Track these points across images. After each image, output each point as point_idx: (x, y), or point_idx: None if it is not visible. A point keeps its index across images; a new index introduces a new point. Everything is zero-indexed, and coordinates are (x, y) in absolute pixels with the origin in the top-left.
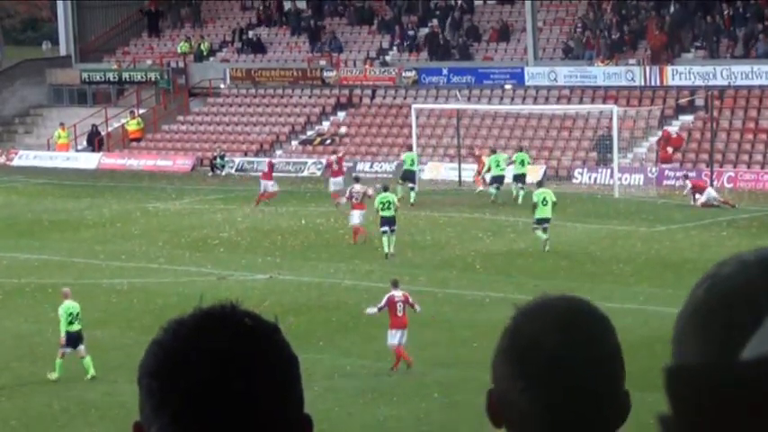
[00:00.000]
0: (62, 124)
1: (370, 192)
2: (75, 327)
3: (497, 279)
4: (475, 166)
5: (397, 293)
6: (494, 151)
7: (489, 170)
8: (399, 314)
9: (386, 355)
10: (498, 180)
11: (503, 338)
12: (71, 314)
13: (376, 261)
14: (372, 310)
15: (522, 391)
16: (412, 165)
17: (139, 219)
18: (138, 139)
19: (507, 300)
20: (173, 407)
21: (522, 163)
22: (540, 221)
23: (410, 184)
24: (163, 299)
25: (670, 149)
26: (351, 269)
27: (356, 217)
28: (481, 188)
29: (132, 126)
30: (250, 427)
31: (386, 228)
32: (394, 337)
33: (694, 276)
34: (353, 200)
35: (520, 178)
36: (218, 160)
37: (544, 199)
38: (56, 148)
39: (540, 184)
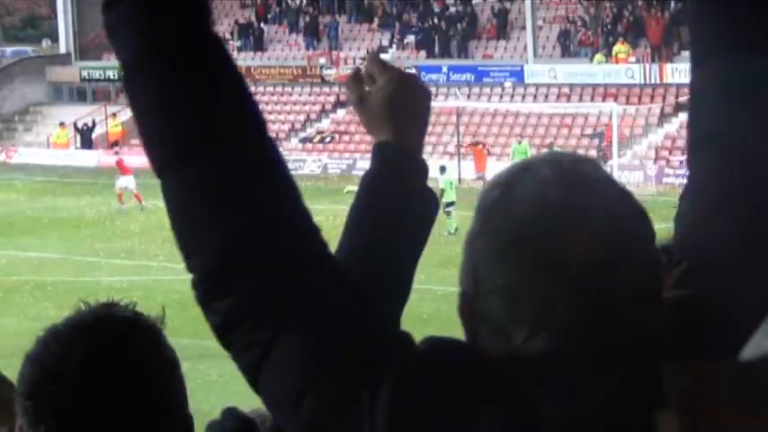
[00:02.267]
0: (62, 124)
1: None
2: None
3: None
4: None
5: None
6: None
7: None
8: None
9: None
10: None
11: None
12: None
13: None
14: None
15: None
16: None
17: (139, 216)
18: (117, 143)
19: None
20: (47, 422)
21: None
22: (449, 204)
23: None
24: (163, 296)
25: None
26: None
27: None
28: None
29: (112, 128)
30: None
31: None
32: None
33: None
34: None
35: None
36: None
37: (451, 183)
38: (54, 148)
39: (443, 169)
